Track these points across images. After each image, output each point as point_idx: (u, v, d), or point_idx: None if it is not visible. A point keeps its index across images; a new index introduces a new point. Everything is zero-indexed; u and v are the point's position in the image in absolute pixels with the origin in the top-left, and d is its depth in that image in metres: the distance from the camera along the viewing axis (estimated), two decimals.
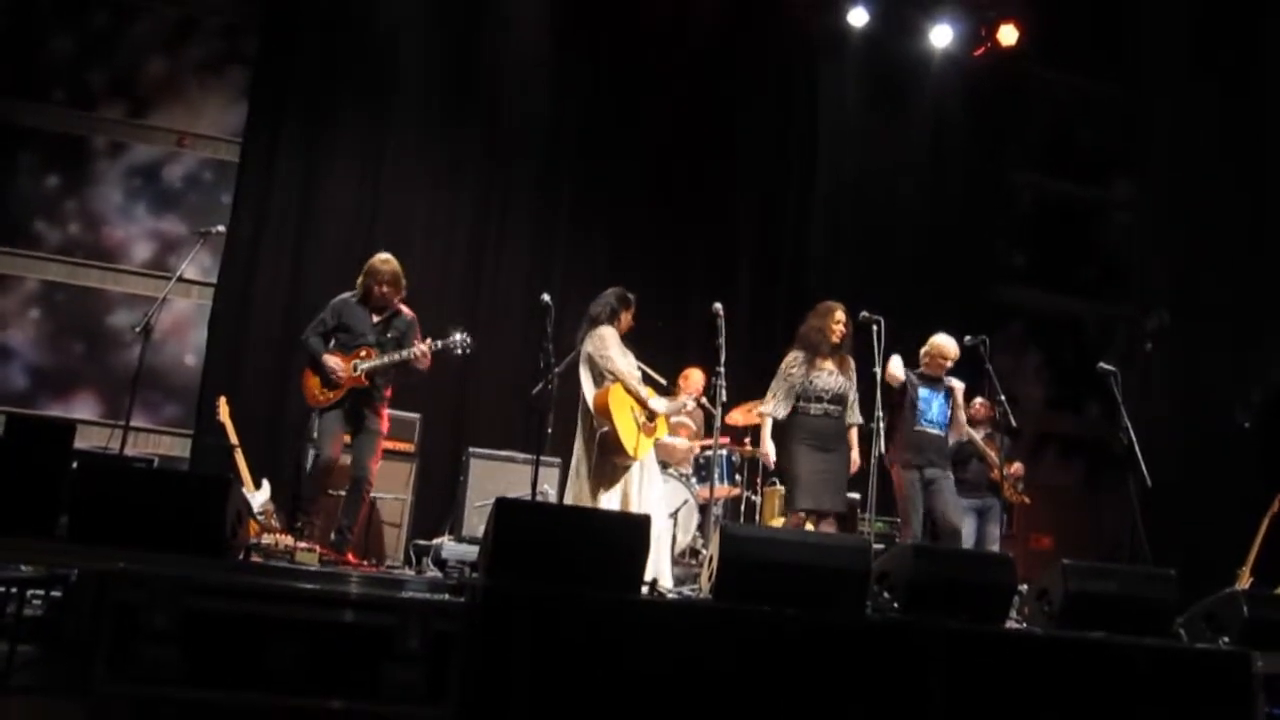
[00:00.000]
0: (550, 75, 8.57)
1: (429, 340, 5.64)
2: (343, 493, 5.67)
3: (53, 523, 3.76)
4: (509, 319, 8.14)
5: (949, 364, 6.20)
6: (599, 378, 5.49)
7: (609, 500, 5.40)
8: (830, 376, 5.71)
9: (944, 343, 6.20)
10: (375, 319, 5.68)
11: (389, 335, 5.65)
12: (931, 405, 6.10)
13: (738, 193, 8.99)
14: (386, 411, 5.74)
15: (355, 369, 5.52)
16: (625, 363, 5.52)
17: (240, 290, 7.66)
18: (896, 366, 6.00)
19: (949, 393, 6.20)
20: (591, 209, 8.53)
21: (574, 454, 5.57)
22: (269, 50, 8.09)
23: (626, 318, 5.69)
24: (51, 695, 3.86)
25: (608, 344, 5.51)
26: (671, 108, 8.70)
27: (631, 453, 5.37)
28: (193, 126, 8.20)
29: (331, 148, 8.03)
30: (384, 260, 5.71)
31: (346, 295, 5.78)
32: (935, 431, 6.08)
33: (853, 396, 5.80)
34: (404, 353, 5.55)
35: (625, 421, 5.38)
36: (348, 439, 5.65)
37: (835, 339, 5.76)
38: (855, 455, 5.81)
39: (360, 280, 5.74)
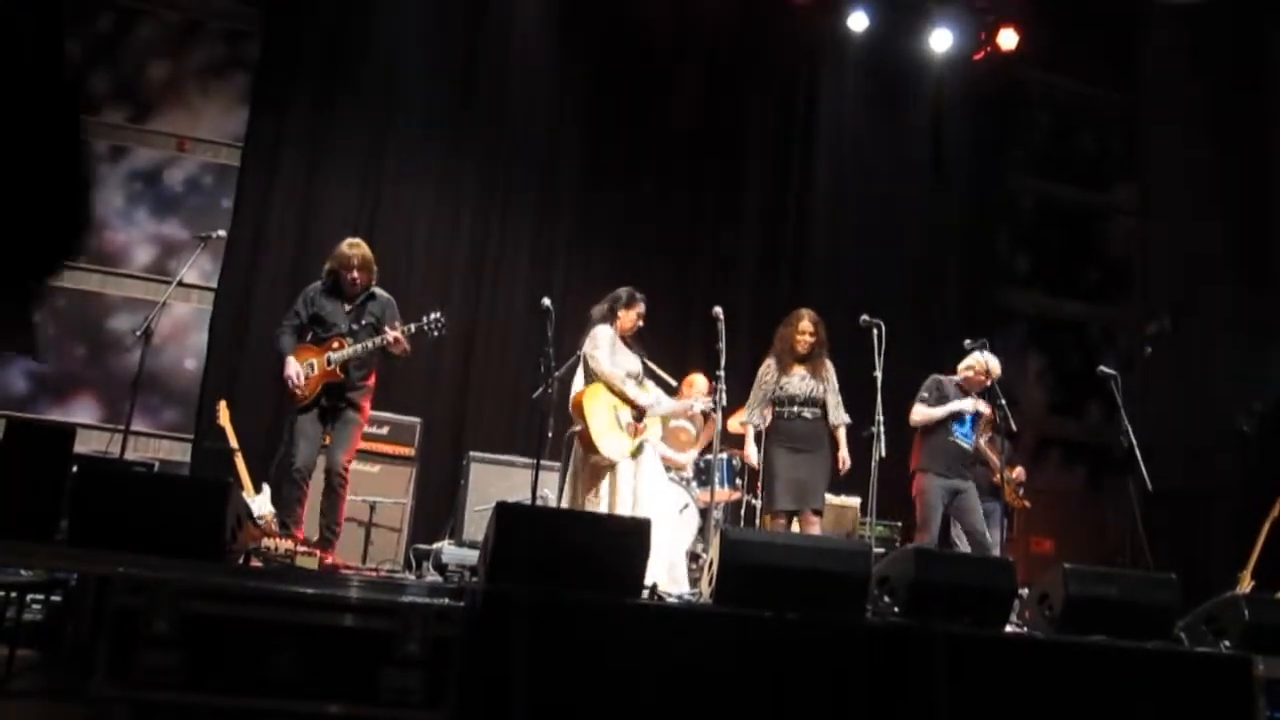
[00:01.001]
0: (552, 79, 8.58)
1: (399, 324, 5.44)
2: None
3: (53, 527, 3.76)
4: (510, 323, 8.15)
5: (989, 382, 6.23)
6: (589, 377, 5.50)
7: (594, 501, 5.40)
8: (802, 381, 5.79)
9: (992, 361, 6.25)
10: (347, 307, 5.47)
11: (364, 322, 5.45)
12: (965, 419, 6.16)
13: (739, 197, 8.99)
14: (368, 402, 5.54)
15: (328, 362, 5.32)
16: (610, 361, 5.52)
17: (240, 294, 7.66)
18: (926, 412, 6.10)
19: (978, 413, 6.27)
20: (593, 213, 8.53)
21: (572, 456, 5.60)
22: (271, 55, 8.09)
23: (628, 316, 5.65)
24: (52, 700, 3.86)
25: (598, 343, 5.52)
26: (673, 111, 8.71)
27: (604, 453, 5.35)
28: (193, 131, 8.21)
29: (332, 152, 8.03)
30: (352, 244, 5.52)
31: (316, 284, 5.59)
32: (965, 445, 6.15)
33: (834, 399, 5.85)
34: (375, 340, 5.35)
35: (600, 421, 5.37)
36: (329, 440, 5.45)
37: (801, 349, 5.82)
38: (844, 454, 5.82)
39: (327, 268, 5.54)
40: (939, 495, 5.99)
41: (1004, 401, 6.23)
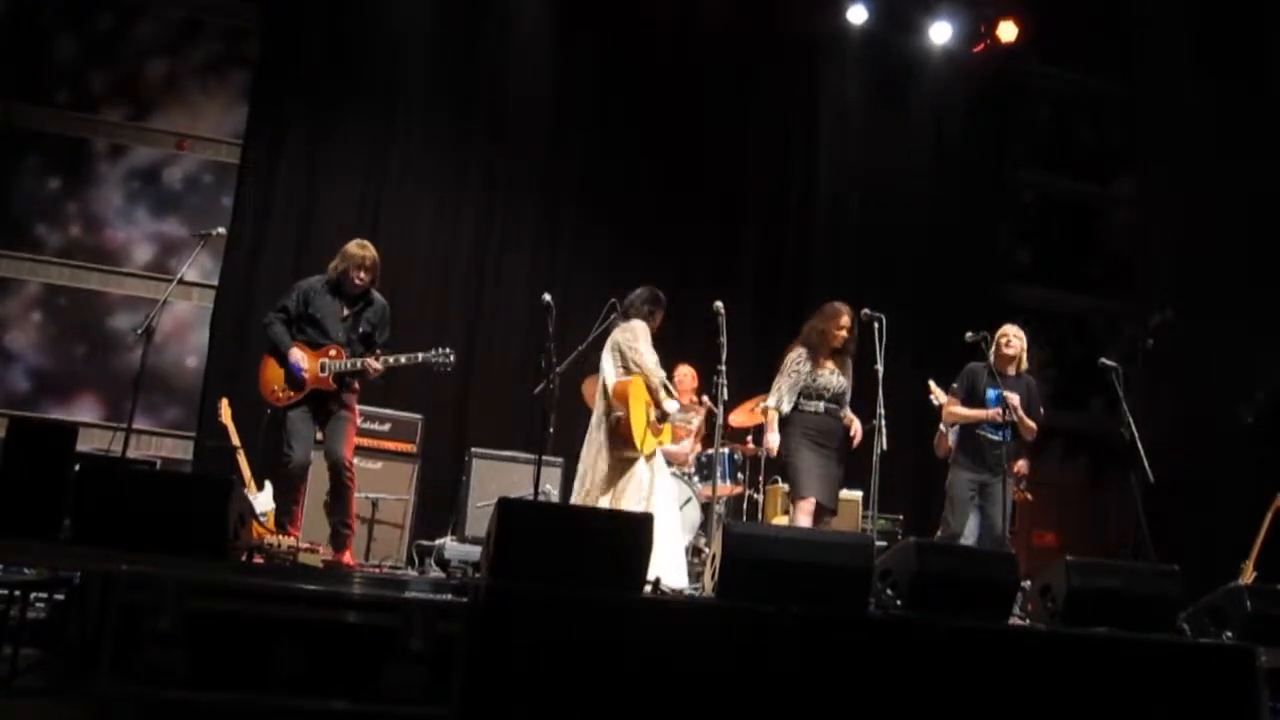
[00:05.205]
0: (552, 76, 8.58)
1: (388, 358, 5.40)
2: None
3: (56, 525, 3.76)
4: (511, 319, 8.15)
5: (1020, 354, 6.01)
6: (623, 368, 5.48)
7: (615, 491, 5.38)
8: (832, 376, 5.72)
9: (1011, 330, 6.06)
10: (345, 311, 5.37)
11: (360, 331, 5.38)
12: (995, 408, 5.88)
13: (740, 192, 8.99)
14: (355, 398, 5.47)
15: (323, 369, 5.24)
16: (653, 359, 5.50)
17: (241, 292, 7.67)
18: (953, 411, 5.99)
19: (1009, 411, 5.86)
20: (594, 209, 8.52)
21: (587, 444, 5.51)
22: (270, 52, 8.09)
23: (660, 317, 5.65)
24: (56, 698, 3.86)
25: (639, 337, 5.51)
26: (674, 107, 8.70)
27: (638, 445, 5.36)
28: (193, 129, 8.22)
29: (333, 149, 8.03)
30: (361, 245, 5.43)
31: (314, 280, 5.46)
32: (994, 437, 5.86)
33: (848, 395, 5.82)
34: (358, 362, 5.26)
35: (639, 414, 5.37)
36: (321, 436, 5.38)
37: (836, 344, 5.73)
38: (856, 427, 5.73)
39: (334, 265, 5.40)
40: (966, 490, 5.87)
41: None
